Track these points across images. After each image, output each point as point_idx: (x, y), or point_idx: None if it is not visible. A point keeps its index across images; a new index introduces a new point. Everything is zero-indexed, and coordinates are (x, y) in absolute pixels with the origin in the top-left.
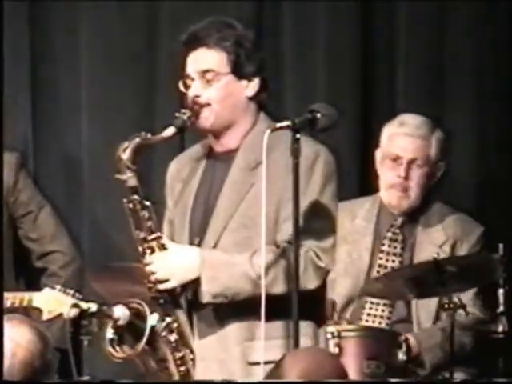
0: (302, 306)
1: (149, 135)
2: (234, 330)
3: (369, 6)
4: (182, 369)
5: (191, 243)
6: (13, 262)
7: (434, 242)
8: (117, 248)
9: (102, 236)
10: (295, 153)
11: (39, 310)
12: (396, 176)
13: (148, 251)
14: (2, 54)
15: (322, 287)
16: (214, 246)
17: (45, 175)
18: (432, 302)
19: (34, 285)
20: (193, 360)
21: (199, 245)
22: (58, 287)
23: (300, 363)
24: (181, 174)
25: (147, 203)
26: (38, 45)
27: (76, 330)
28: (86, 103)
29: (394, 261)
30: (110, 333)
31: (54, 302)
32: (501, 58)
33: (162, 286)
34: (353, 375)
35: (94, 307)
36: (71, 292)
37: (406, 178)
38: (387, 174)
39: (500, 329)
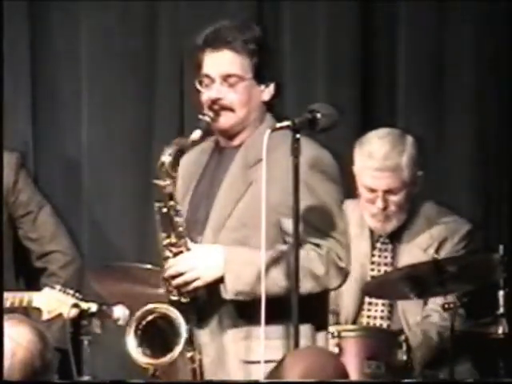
0: (301, 309)
1: (183, 140)
2: (230, 328)
3: (369, 6)
4: (190, 367)
5: (189, 235)
6: (13, 262)
7: (420, 245)
8: (117, 248)
9: (102, 236)
10: (295, 152)
11: (39, 310)
12: (375, 207)
13: (173, 256)
14: (2, 54)
15: (324, 292)
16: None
17: (45, 175)
18: (418, 309)
19: (34, 285)
20: (200, 360)
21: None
22: (58, 287)
23: (301, 363)
24: (187, 166)
25: (181, 209)
26: (38, 45)
27: (76, 330)
28: (86, 103)
29: (386, 271)
30: (133, 340)
31: (53, 302)
32: (501, 58)
33: (189, 287)
34: (353, 375)
35: (93, 307)
36: (71, 292)
37: (385, 208)
38: (366, 205)
39: (500, 330)
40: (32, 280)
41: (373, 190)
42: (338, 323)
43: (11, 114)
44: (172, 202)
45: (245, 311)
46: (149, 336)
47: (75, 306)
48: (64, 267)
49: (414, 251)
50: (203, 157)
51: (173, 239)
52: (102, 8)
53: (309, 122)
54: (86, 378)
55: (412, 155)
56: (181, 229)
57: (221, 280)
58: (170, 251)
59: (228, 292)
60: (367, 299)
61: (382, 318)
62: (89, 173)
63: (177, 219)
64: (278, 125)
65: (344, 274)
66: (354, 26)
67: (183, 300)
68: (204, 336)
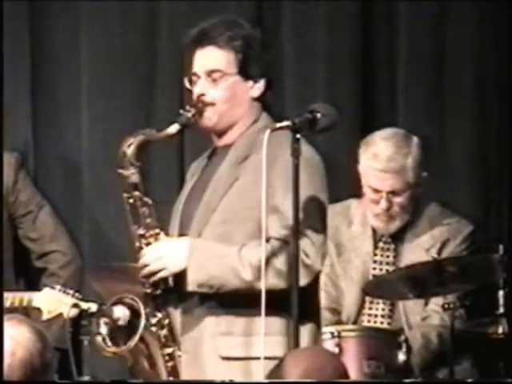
0: (285, 303)
1: (153, 131)
2: (209, 323)
3: (369, 7)
4: (169, 365)
5: (180, 236)
6: (13, 262)
7: (422, 246)
8: (117, 248)
9: (102, 236)
10: (295, 153)
11: (39, 310)
12: (379, 208)
13: (145, 247)
14: (2, 54)
15: (309, 286)
16: None
17: (44, 175)
18: (419, 308)
19: (34, 285)
20: (180, 357)
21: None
22: (58, 287)
23: (301, 363)
24: (191, 172)
25: (148, 200)
26: (38, 45)
27: (76, 330)
28: (86, 103)
29: (388, 270)
30: (100, 327)
31: (53, 302)
32: (501, 58)
33: (155, 277)
34: (353, 375)
35: (93, 307)
36: (71, 292)
37: (389, 208)
38: (370, 205)
39: (500, 330)
40: (32, 280)
41: (377, 191)
42: (339, 321)
43: (11, 114)
44: (137, 193)
45: (225, 305)
46: (115, 327)
47: (75, 305)
48: (64, 267)
49: (417, 251)
50: (203, 160)
51: (141, 230)
52: (102, 8)
53: (309, 122)
54: (86, 378)
55: (417, 157)
56: (149, 220)
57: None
58: (140, 242)
59: (189, 283)
60: (368, 298)
61: (382, 316)
62: (89, 173)
63: (143, 210)
64: (278, 125)
65: (311, 271)
66: (353, 25)
67: (157, 292)
68: (181, 330)
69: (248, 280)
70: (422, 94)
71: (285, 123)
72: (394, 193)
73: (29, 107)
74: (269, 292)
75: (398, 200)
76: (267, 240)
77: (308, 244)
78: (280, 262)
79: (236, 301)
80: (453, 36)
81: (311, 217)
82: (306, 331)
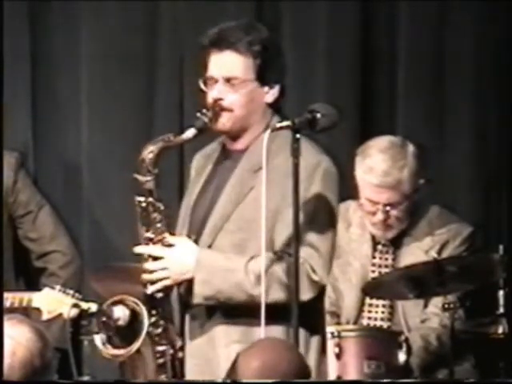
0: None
1: (171, 137)
2: (222, 331)
3: (369, 6)
4: (159, 361)
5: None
6: (13, 262)
7: (421, 248)
8: (117, 248)
9: (102, 236)
10: (295, 153)
11: (39, 310)
12: (376, 218)
13: None
14: (2, 54)
15: (318, 297)
16: (210, 246)
17: (44, 175)
18: (418, 311)
19: (34, 285)
20: (172, 356)
21: (196, 243)
22: (58, 287)
23: (254, 362)
24: (197, 168)
25: (161, 206)
26: (38, 45)
27: (76, 330)
28: (86, 103)
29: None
30: (99, 330)
31: (53, 302)
32: (501, 58)
33: (157, 285)
34: (353, 375)
35: (93, 307)
36: (71, 292)
37: (386, 219)
38: (368, 215)
39: (500, 330)
40: (32, 280)
41: (374, 203)
42: (338, 324)
43: (11, 114)
44: (151, 199)
45: (233, 315)
46: (114, 328)
47: (75, 305)
48: (64, 267)
49: (416, 253)
50: (211, 160)
51: (150, 234)
52: (102, 8)
53: (309, 122)
54: (85, 378)
55: (413, 168)
56: (159, 225)
57: (192, 282)
58: (148, 245)
59: (196, 296)
60: (368, 301)
61: (382, 319)
62: (89, 173)
63: (155, 215)
64: (278, 125)
65: (317, 287)
66: (354, 25)
67: (157, 296)
68: (189, 335)
69: (255, 295)
70: (421, 95)
71: (285, 123)
72: (390, 205)
73: (29, 107)
74: (274, 305)
75: (394, 212)
76: (276, 253)
77: (315, 258)
78: (285, 276)
79: (244, 311)
80: (453, 36)
81: (320, 225)
82: (315, 342)
